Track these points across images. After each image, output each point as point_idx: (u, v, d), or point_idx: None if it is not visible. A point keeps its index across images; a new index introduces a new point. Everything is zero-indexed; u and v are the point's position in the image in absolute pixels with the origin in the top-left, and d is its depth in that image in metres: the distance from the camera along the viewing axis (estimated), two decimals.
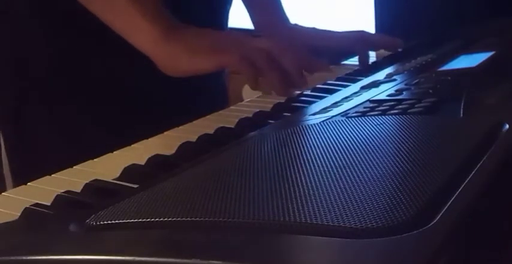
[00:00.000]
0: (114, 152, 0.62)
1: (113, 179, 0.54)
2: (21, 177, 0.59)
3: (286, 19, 1.04)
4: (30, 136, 0.90)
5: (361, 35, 1.01)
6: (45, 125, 0.89)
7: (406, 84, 0.71)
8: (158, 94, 0.89)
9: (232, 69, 0.79)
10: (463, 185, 0.38)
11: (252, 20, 1.05)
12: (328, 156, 0.45)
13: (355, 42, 1.00)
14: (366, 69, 0.94)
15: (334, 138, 0.50)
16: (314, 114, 0.65)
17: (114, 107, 0.88)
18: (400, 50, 1.05)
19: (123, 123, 0.87)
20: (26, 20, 0.87)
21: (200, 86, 0.92)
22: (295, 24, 1.04)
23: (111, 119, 0.88)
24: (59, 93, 0.88)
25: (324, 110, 0.66)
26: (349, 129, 0.53)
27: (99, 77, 0.87)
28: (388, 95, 0.67)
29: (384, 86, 0.73)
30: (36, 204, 0.48)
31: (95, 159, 0.60)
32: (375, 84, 0.75)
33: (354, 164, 0.43)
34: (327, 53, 1.00)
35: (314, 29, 1.03)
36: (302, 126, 0.58)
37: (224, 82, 1.05)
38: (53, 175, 0.56)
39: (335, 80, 0.87)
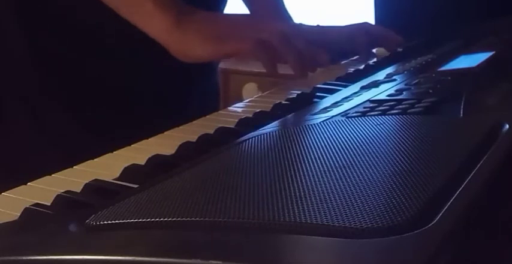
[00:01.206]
0: (114, 152, 0.62)
1: (113, 179, 0.54)
2: (2, 179, 0.59)
3: (289, 18, 1.04)
4: (11, 136, 0.89)
5: (362, 26, 1.01)
6: (26, 126, 0.88)
7: (406, 84, 0.71)
8: (149, 94, 0.89)
9: (239, 59, 0.80)
10: (463, 185, 0.38)
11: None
12: (328, 156, 0.45)
13: (356, 35, 1.00)
14: (366, 61, 0.94)
15: (334, 138, 0.50)
16: (314, 114, 0.65)
17: (100, 108, 0.87)
18: (400, 49, 1.05)
19: (110, 123, 0.86)
20: (7, 18, 0.86)
21: (192, 85, 0.92)
22: (300, 24, 1.04)
23: (97, 120, 0.87)
24: (52, 94, 0.87)
25: (324, 110, 0.66)
26: (349, 129, 0.53)
27: (86, 77, 0.87)
28: (388, 95, 0.67)
29: (384, 86, 0.73)
30: (36, 204, 0.48)
31: (95, 159, 0.60)
32: (375, 84, 0.75)
33: (354, 164, 0.43)
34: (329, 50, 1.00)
35: (318, 26, 1.03)
36: (302, 126, 0.58)
37: (217, 81, 1.05)
38: (53, 175, 0.56)
39: (335, 80, 0.87)
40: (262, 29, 0.78)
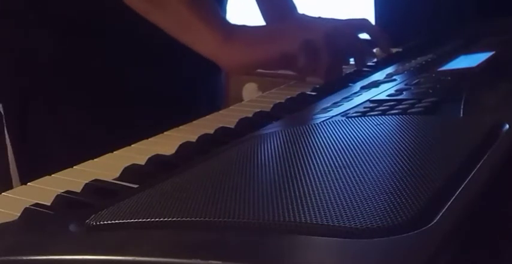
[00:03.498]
0: (114, 152, 0.62)
1: (113, 179, 0.54)
2: (28, 178, 0.60)
3: (294, 7, 1.05)
4: (34, 136, 0.90)
5: (362, 24, 1.01)
6: (49, 125, 0.89)
7: (406, 84, 0.71)
8: (158, 94, 0.90)
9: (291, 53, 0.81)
10: (463, 185, 0.38)
11: (260, 9, 1.06)
12: (328, 156, 0.45)
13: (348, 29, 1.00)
14: (361, 68, 0.94)
15: (334, 138, 0.50)
16: (314, 114, 0.65)
17: (114, 107, 0.88)
18: (400, 49, 1.05)
19: (124, 123, 0.87)
20: (27, 20, 0.87)
21: (199, 86, 0.92)
22: (303, 14, 1.04)
23: (112, 119, 0.88)
24: (62, 93, 0.88)
25: (324, 110, 0.66)
26: (349, 129, 0.53)
27: (100, 77, 0.88)
28: (388, 95, 0.67)
29: (384, 86, 0.73)
30: (36, 204, 0.48)
31: (95, 159, 0.60)
32: (375, 84, 0.75)
33: (354, 164, 0.43)
34: None
35: (320, 18, 1.04)
36: (302, 126, 0.58)
37: (223, 83, 1.06)
38: (53, 175, 0.56)
39: (335, 80, 0.87)
40: (308, 29, 0.81)
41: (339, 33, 0.84)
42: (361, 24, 1.01)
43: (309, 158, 0.47)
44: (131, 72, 0.88)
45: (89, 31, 0.86)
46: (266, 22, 1.05)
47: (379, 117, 0.56)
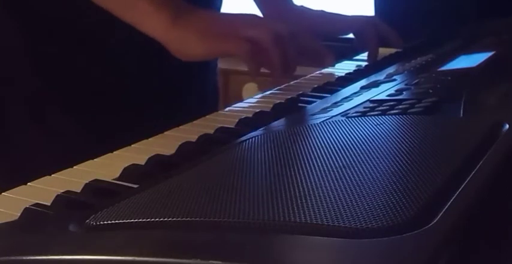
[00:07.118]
0: (114, 152, 0.62)
1: (113, 179, 0.54)
2: (5, 180, 0.59)
3: (289, 0, 1.04)
4: (13, 138, 0.89)
5: (371, 19, 1.01)
6: (27, 127, 0.88)
7: (406, 84, 0.71)
8: (147, 94, 0.89)
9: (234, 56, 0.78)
10: (463, 185, 0.38)
11: (256, 3, 1.05)
12: (328, 156, 0.46)
13: (365, 25, 0.99)
14: (375, 54, 0.93)
15: (334, 138, 0.50)
16: (314, 114, 0.65)
17: (99, 108, 0.87)
18: (400, 50, 1.05)
19: (110, 124, 0.86)
20: (7, 21, 0.86)
21: (190, 85, 0.92)
22: (302, 6, 1.04)
23: (96, 120, 0.87)
24: (44, 95, 0.87)
25: (324, 110, 0.66)
26: (349, 129, 0.53)
27: (85, 79, 0.87)
28: (388, 95, 0.67)
29: (384, 86, 0.73)
30: (36, 204, 0.48)
31: (95, 159, 0.60)
32: (375, 84, 0.75)
33: (354, 164, 0.43)
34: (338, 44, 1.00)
35: (322, 11, 1.03)
36: (302, 126, 0.58)
37: (216, 82, 1.05)
38: (53, 175, 0.56)
39: (335, 80, 0.87)
40: (258, 27, 0.78)
41: (291, 33, 0.79)
42: (368, 21, 1.01)
43: (309, 158, 0.47)
44: (117, 72, 0.87)
45: (75, 34, 0.85)
46: (263, 15, 1.04)
47: (379, 117, 0.56)
